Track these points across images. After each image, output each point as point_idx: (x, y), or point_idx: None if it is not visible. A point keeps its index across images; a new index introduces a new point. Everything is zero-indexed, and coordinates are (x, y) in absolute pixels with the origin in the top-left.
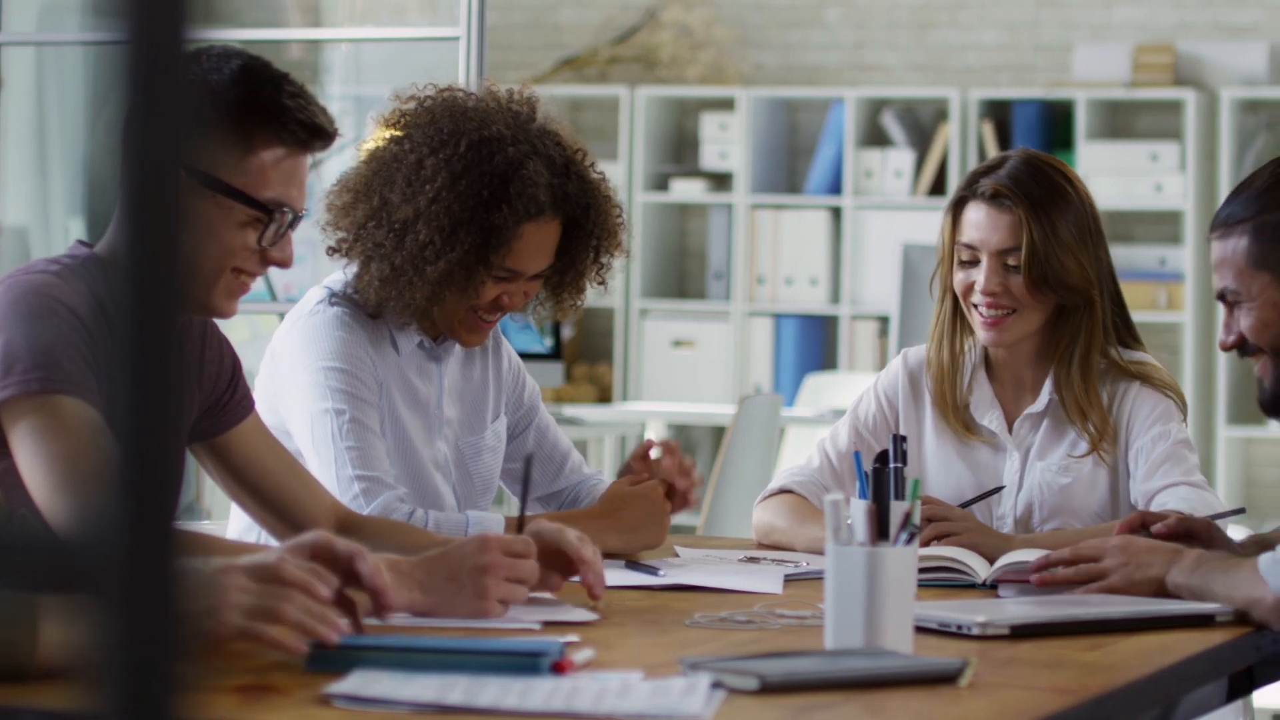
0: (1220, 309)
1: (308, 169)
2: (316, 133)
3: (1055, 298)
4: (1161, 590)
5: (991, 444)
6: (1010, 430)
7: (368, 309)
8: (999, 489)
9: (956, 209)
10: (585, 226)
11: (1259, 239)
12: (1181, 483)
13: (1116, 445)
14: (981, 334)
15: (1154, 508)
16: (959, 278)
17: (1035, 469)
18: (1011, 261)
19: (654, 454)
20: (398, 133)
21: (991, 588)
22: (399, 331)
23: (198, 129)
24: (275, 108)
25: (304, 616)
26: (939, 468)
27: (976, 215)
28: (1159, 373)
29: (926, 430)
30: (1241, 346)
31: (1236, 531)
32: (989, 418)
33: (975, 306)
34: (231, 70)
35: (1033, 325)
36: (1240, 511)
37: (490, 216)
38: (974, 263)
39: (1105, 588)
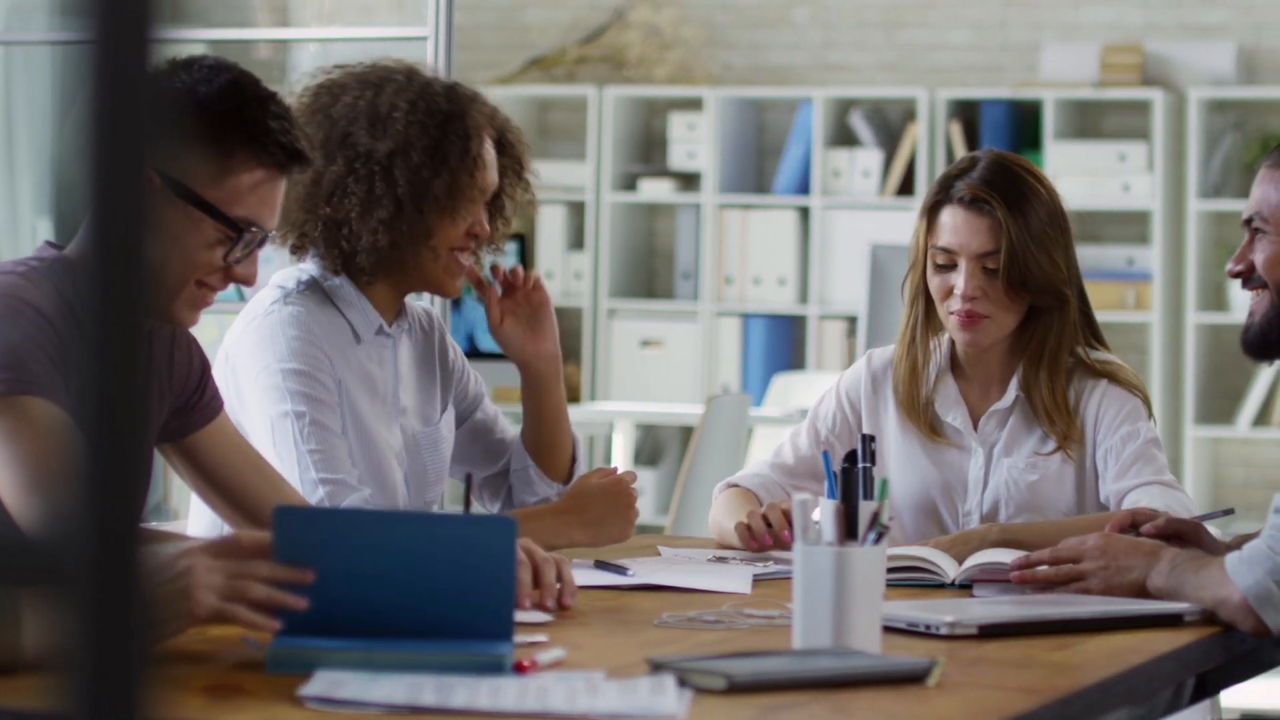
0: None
1: (282, 191)
2: (296, 157)
3: (1032, 298)
4: (1141, 594)
5: (957, 443)
6: (975, 428)
7: (366, 274)
8: None
9: (931, 213)
10: (505, 148)
11: None
12: (1154, 482)
13: (1083, 444)
14: (959, 337)
15: (1126, 505)
16: (935, 282)
17: (1001, 466)
18: (990, 265)
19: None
20: (324, 98)
21: (961, 587)
22: (359, 318)
23: (175, 135)
24: (259, 127)
25: (270, 590)
26: (903, 467)
27: (954, 219)
28: (1124, 371)
29: (890, 430)
30: (1248, 277)
31: (1220, 533)
32: (953, 415)
33: (952, 310)
34: (221, 83)
35: (1009, 326)
36: (1229, 512)
37: (460, 125)
38: (950, 266)
39: (1083, 590)
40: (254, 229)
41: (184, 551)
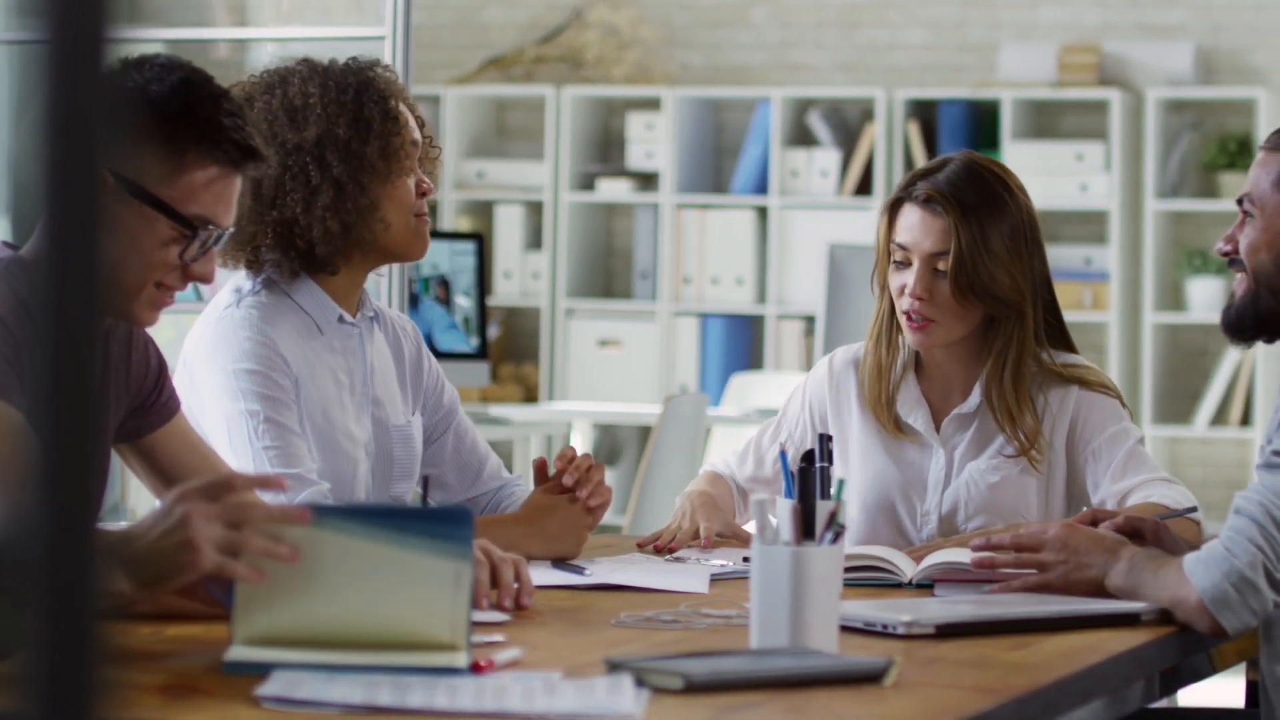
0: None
1: (237, 188)
2: (250, 154)
3: (982, 306)
4: (1100, 592)
5: (919, 442)
6: (937, 429)
7: (329, 267)
8: None
9: (893, 209)
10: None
11: None
12: (1156, 478)
13: (1053, 450)
14: (908, 338)
15: (1131, 502)
16: (893, 279)
17: (965, 468)
18: (941, 266)
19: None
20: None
21: (919, 587)
22: (318, 310)
23: (128, 135)
24: (211, 125)
25: (266, 542)
26: (866, 466)
27: (910, 218)
28: (1092, 373)
29: (853, 430)
30: (1234, 257)
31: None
32: (914, 416)
33: (903, 310)
34: (172, 82)
35: (958, 331)
36: (1193, 509)
37: (372, 90)
38: (906, 264)
39: (1043, 584)
40: (209, 227)
41: (179, 496)
